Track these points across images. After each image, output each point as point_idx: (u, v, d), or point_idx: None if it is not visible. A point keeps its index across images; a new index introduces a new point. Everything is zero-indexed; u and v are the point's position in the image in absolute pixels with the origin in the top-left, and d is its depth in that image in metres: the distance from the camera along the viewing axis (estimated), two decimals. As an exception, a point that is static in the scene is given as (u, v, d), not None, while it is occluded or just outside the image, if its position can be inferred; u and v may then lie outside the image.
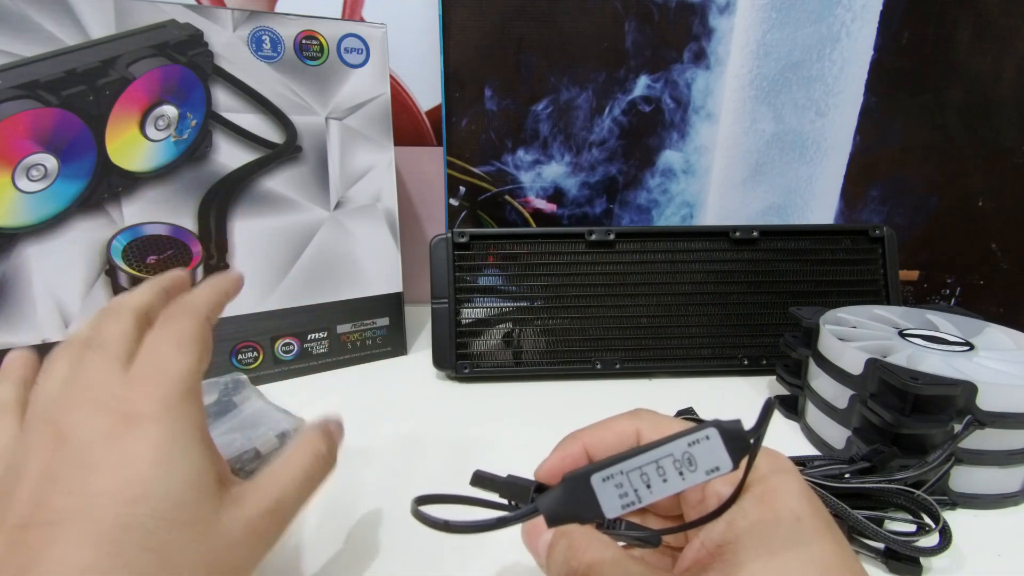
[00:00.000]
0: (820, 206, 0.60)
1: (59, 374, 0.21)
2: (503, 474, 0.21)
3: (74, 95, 0.38)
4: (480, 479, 0.21)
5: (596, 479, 0.16)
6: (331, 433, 0.25)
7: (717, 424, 0.16)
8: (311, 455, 0.24)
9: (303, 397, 0.46)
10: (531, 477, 0.21)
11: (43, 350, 0.39)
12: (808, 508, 0.18)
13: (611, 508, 0.16)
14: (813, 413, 0.40)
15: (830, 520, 0.18)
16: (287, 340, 0.49)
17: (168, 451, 0.19)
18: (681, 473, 0.16)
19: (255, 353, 0.48)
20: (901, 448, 0.32)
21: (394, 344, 0.54)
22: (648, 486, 0.16)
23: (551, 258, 0.50)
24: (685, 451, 0.16)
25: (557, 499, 0.17)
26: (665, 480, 0.16)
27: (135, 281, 0.42)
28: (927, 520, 0.29)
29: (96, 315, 0.23)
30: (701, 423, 0.16)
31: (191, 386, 0.21)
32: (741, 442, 0.16)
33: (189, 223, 0.43)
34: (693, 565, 0.19)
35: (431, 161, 0.64)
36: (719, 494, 0.19)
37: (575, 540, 0.20)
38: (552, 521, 0.17)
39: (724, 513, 0.18)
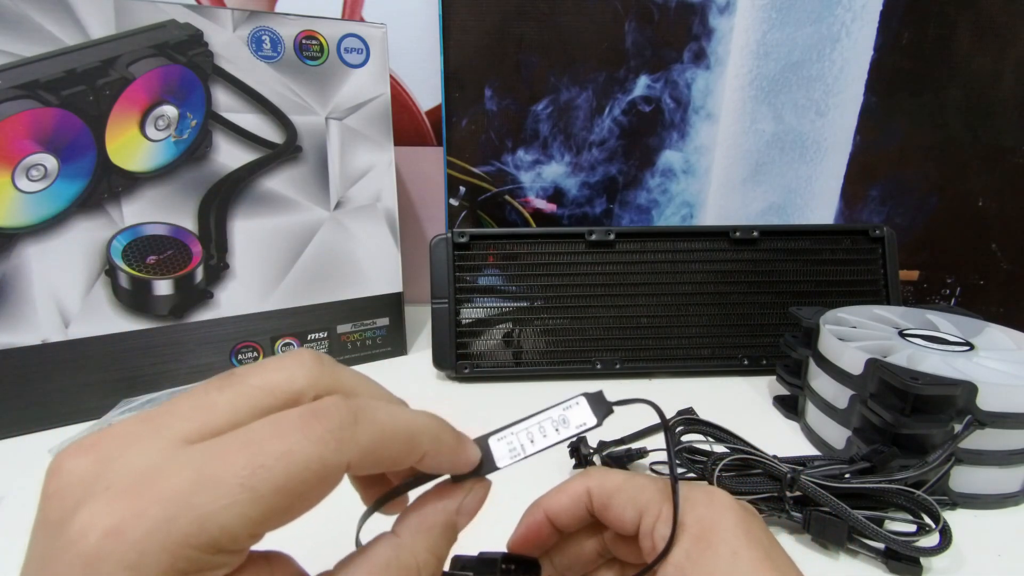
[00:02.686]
0: (820, 206, 0.60)
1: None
2: (474, 552, 0.22)
3: (74, 95, 0.38)
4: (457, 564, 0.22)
5: (493, 440, 0.20)
6: (454, 525, 0.19)
7: (584, 394, 0.21)
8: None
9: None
10: (511, 521, 0.23)
11: (43, 350, 0.40)
12: (744, 541, 0.19)
13: (501, 458, 0.20)
14: (813, 413, 0.40)
15: (768, 549, 0.19)
16: (287, 340, 0.49)
17: None
18: (557, 430, 0.20)
19: (255, 353, 0.48)
20: (901, 448, 0.32)
21: (394, 344, 0.54)
22: (532, 441, 0.20)
23: (551, 258, 0.50)
24: (561, 414, 0.21)
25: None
26: (544, 436, 0.20)
27: (135, 281, 0.42)
28: (927, 520, 0.29)
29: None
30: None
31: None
32: (603, 405, 0.21)
33: (189, 223, 0.43)
34: None
35: (431, 161, 0.64)
36: (666, 539, 0.20)
37: None
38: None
39: (669, 555, 0.19)
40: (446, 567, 0.21)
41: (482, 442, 0.20)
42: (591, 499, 0.22)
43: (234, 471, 0.13)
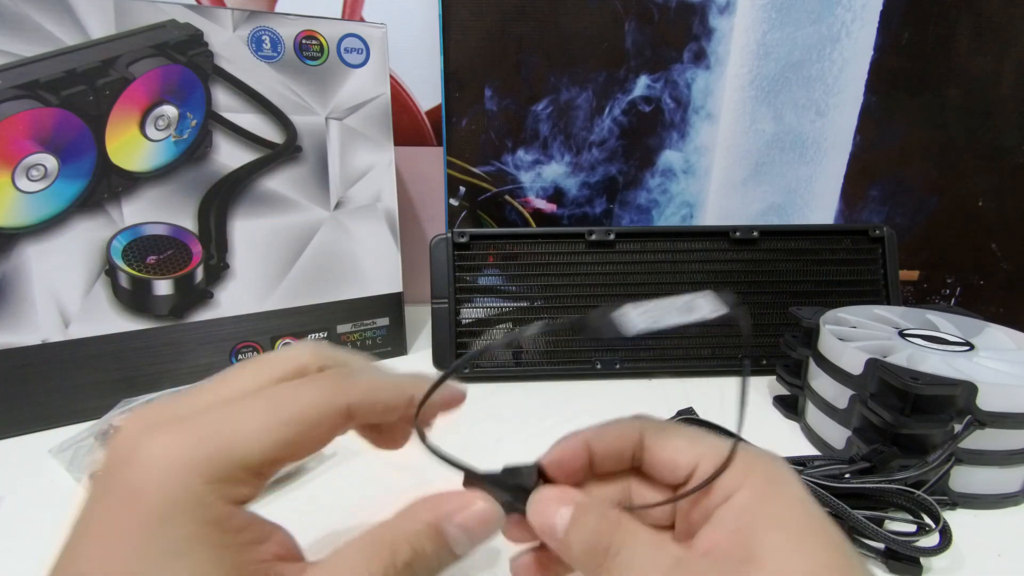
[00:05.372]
0: (820, 206, 0.60)
1: None
2: (497, 468, 0.20)
3: (74, 95, 0.38)
4: (473, 478, 0.20)
5: (630, 306, 0.20)
6: (441, 530, 0.18)
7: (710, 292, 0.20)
8: (386, 554, 0.17)
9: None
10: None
11: (43, 350, 0.40)
12: (808, 495, 0.18)
13: (636, 325, 0.19)
14: (813, 413, 0.40)
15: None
16: (287, 340, 0.49)
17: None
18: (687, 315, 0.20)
19: (255, 353, 0.48)
20: (901, 448, 0.32)
21: (394, 344, 0.54)
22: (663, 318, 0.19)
23: (551, 258, 0.50)
24: (687, 301, 0.20)
25: (598, 314, 0.20)
26: (674, 317, 0.19)
27: (135, 281, 0.42)
28: (927, 520, 0.29)
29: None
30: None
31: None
32: (729, 299, 0.20)
33: (189, 223, 0.43)
34: (712, 548, 0.18)
35: (431, 161, 0.64)
36: (705, 476, 0.19)
37: (605, 517, 0.18)
38: (591, 332, 0.20)
39: (733, 498, 0.18)
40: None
41: (620, 305, 0.20)
42: (643, 438, 0.21)
43: (254, 410, 0.17)
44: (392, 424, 0.22)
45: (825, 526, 0.18)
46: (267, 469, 0.17)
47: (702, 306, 0.20)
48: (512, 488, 0.20)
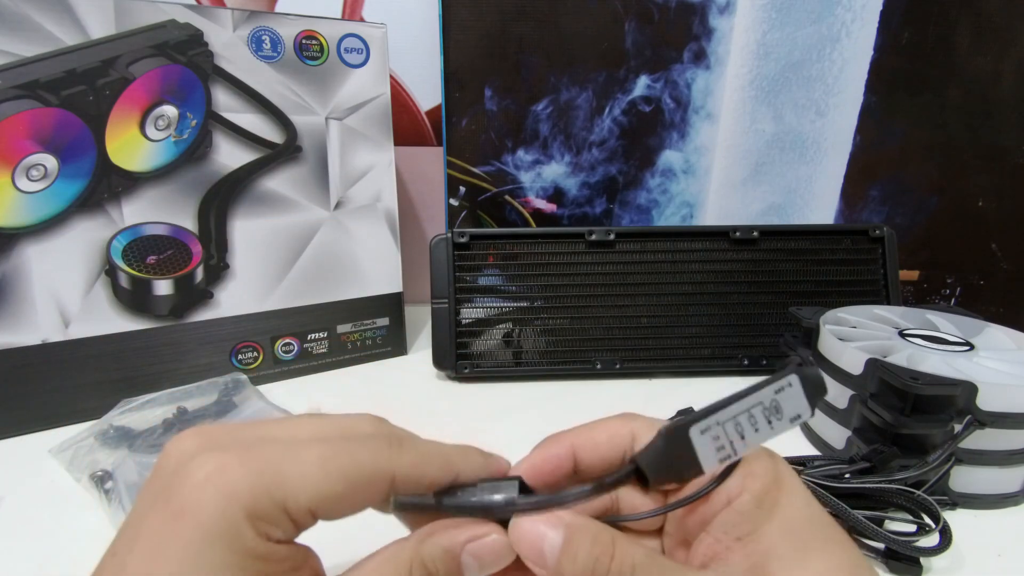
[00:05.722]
0: (820, 206, 0.60)
1: None
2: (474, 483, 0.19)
3: (74, 95, 0.38)
4: (447, 503, 0.19)
5: (695, 431, 0.16)
6: (456, 556, 0.18)
7: (798, 371, 0.16)
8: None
9: (303, 397, 0.46)
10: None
11: (43, 350, 0.40)
12: (811, 495, 0.18)
13: (709, 461, 0.16)
14: (813, 413, 0.40)
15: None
16: (287, 340, 0.49)
17: None
18: (770, 422, 0.16)
19: (255, 353, 0.48)
20: (901, 448, 0.32)
21: (394, 344, 0.54)
22: (742, 437, 0.16)
23: (551, 258, 0.50)
24: (773, 399, 0.16)
25: (657, 453, 0.16)
26: (757, 430, 0.16)
27: (135, 281, 0.42)
28: (927, 520, 0.29)
29: None
30: (779, 370, 0.16)
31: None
32: (819, 388, 0.16)
33: (189, 223, 0.43)
34: (712, 558, 0.18)
35: (431, 161, 0.64)
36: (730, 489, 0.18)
37: (598, 540, 0.17)
38: (654, 476, 0.17)
39: (735, 503, 0.18)
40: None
41: (683, 431, 0.16)
42: (634, 442, 0.20)
43: (311, 455, 0.17)
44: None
45: (831, 531, 0.18)
46: (304, 517, 0.17)
47: (791, 403, 0.16)
48: (488, 508, 0.19)
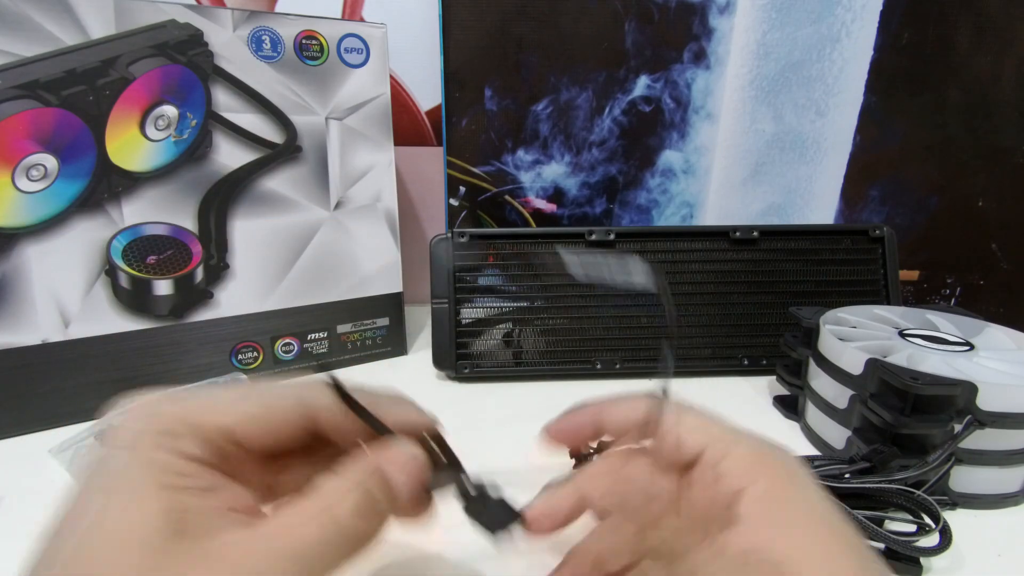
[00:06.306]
0: (820, 206, 0.60)
1: None
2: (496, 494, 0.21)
3: (74, 95, 0.38)
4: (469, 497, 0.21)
5: (570, 254, 0.20)
6: (385, 475, 0.19)
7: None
8: (351, 506, 0.18)
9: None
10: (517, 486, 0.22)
11: (43, 350, 0.40)
12: (821, 487, 0.20)
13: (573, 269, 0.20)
14: (813, 413, 0.40)
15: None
16: (287, 340, 0.49)
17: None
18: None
19: (255, 353, 0.48)
20: (901, 448, 0.32)
21: (394, 344, 0.54)
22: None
23: (551, 258, 0.50)
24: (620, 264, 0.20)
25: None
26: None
27: (135, 281, 0.42)
28: (927, 520, 0.29)
29: None
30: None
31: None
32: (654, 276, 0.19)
33: (189, 223, 0.43)
34: (726, 549, 0.19)
35: (431, 161, 0.64)
36: (733, 475, 0.19)
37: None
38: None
39: (746, 491, 0.19)
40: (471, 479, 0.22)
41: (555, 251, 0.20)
42: (653, 413, 0.22)
43: (232, 392, 0.19)
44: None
45: (843, 527, 0.18)
46: (221, 437, 0.18)
47: (634, 274, 0.20)
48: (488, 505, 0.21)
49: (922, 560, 0.28)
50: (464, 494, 0.21)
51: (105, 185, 0.40)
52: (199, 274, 0.44)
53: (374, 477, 0.19)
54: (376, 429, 0.21)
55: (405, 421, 0.22)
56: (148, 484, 0.16)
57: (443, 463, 0.21)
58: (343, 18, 0.60)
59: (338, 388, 0.20)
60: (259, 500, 0.20)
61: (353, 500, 0.18)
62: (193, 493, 0.17)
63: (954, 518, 0.32)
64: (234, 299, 0.46)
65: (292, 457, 0.21)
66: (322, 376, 0.21)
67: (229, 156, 0.44)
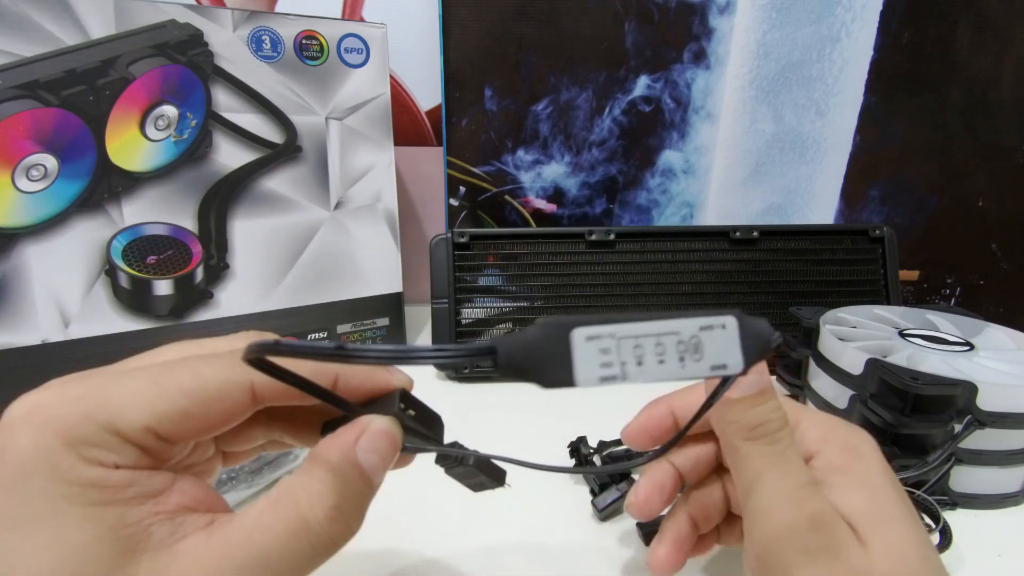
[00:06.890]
0: (820, 206, 0.60)
1: None
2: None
3: (74, 95, 0.38)
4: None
5: (579, 334, 0.13)
6: (354, 460, 0.17)
7: (738, 314, 0.13)
8: (325, 513, 0.16)
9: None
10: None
11: (43, 350, 0.40)
12: (886, 464, 0.21)
13: (586, 374, 0.13)
14: (813, 413, 0.40)
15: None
16: (288, 340, 0.49)
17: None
18: (682, 359, 0.13)
19: (255, 353, 0.48)
20: (901, 448, 0.32)
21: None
22: (640, 363, 0.13)
23: (551, 258, 0.50)
24: (694, 335, 0.13)
25: (523, 341, 0.13)
26: (661, 362, 0.13)
27: (135, 281, 0.42)
28: (927, 520, 0.29)
29: None
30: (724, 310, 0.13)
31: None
32: (761, 343, 0.13)
33: (189, 223, 0.43)
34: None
35: (431, 161, 0.64)
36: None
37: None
38: (507, 364, 0.14)
39: (811, 461, 0.21)
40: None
41: (564, 329, 0.13)
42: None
43: (142, 378, 0.16)
44: (311, 415, 0.20)
45: (904, 494, 0.20)
46: (144, 437, 0.15)
47: (718, 348, 0.13)
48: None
49: (922, 560, 0.28)
50: (443, 457, 0.19)
51: (105, 185, 0.40)
52: (199, 274, 0.44)
53: (351, 472, 0.17)
54: (336, 405, 0.17)
55: (369, 388, 0.19)
56: (70, 507, 0.14)
57: (416, 427, 0.18)
58: (343, 18, 0.60)
59: (269, 367, 0.16)
60: (216, 469, 0.18)
61: (327, 505, 0.16)
62: (142, 503, 0.15)
63: (954, 518, 0.32)
64: (234, 299, 0.46)
65: (245, 424, 0.18)
66: (252, 340, 0.15)
67: (229, 156, 0.44)
